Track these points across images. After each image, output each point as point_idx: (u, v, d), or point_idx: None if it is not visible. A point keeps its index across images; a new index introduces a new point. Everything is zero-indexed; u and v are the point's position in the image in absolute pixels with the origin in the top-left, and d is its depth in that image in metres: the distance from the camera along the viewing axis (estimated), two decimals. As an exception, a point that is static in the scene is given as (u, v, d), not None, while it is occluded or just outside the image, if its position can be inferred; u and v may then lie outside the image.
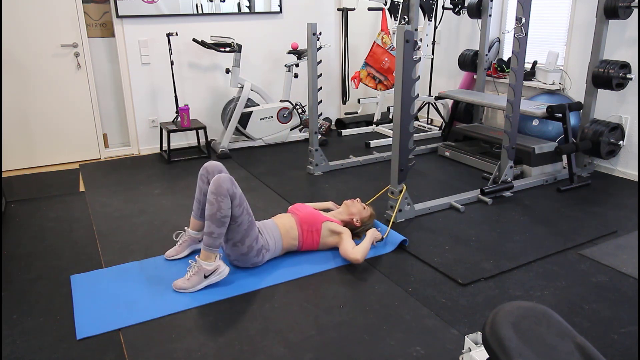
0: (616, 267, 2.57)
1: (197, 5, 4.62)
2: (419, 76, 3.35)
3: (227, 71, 4.72)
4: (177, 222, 3.19)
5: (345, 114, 5.76)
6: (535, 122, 4.28)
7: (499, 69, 4.75)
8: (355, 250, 2.56)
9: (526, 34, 3.22)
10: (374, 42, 4.70)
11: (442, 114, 5.31)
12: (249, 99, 4.80)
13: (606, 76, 3.55)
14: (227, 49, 4.55)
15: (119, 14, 4.34)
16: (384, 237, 2.83)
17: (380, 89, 4.82)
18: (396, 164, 3.01)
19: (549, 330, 1.22)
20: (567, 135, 3.70)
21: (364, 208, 2.88)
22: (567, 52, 4.19)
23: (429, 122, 5.75)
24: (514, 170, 3.81)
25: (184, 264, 2.65)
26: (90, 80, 4.45)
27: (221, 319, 2.18)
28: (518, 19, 3.19)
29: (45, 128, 4.39)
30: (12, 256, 2.78)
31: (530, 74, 4.42)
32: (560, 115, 3.65)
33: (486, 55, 4.64)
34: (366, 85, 4.85)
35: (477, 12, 4.65)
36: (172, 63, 4.47)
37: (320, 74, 3.95)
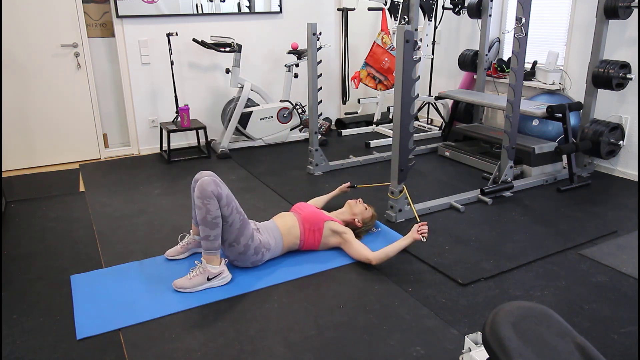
0: (616, 267, 2.57)
1: (197, 5, 4.62)
2: (419, 76, 3.35)
3: (227, 71, 4.72)
4: (177, 222, 3.19)
5: (345, 114, 5.76)
6: (535, 122, 4.28)
7: (499, 69, 4.75)
8: (374, 254, 2.57)
9: (526, 34, 3.22)
10: (374, 42, 4.70)
11: (442, 114, 5.31)
12: (249, 99, 4.80)
13: (606, 76, 3.55)
14: (227, 49, 4.55)
15: (119, 14, 4.34)
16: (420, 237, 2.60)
17: (380, 89, 4.82)
18: (396, 164, 3.01)
19: (549, 330, 1.22)
20: (567, 135, 3.70)
21: (366, 209, 2.89)
22: (567, 52, 4.19)
23: (429, 122, 5.75)
24: (514, 170, 3.81)
25: (184, 264, 2.65)
26: (90, 80, 4.45)
27: (221, 319, 2.18)
28: (518, 19, 3.19)
29: (45, 128, 4.39)
30: (12, 256, 2.78)
31: (530, 74, 4.42)
32: (560, 115, 3.65)
33: (486, 55, 4.64)
34: (366, 85, 4.85)
35: (477, 12, 4.65)
36: (172, 63, 4.47)
37: (320, 74, 3.95)
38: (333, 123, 5.69)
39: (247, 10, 4.88)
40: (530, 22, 3.25)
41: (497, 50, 4.89)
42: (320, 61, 4.01)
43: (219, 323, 2.16)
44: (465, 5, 4.77)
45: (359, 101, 5.53)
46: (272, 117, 4.86)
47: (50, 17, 4.17)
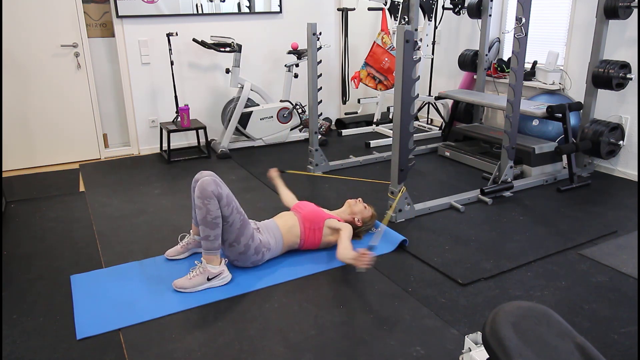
0: (616, 267, 2.57)
1: (197, 5, 4.62)
2: (419, 76, 3.35)
3: (227, 71, 4.72)
4: (177, 222, 3.19)
5: (345, 114, 5.76)
6: (535, 122, 4.28)
7: (499, 69, 4.75)
8: (342, 245, 2.51)
9: (526, 34, 3.22)
10: (374, 42, 4.70)
11: (442, 114, 5.31)
12: (249, 99, 4.80)
13: (606, 76, 3.55)
14: (227, 49, 4.55)
15: (119, 14, 4.34)
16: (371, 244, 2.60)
17: (380, 89, 4.82)
18: (396, 164, 3.01)
19: (549, 330, 1.22)
20: (567, 135, 3.70)
21: (366, 208, 2.89)
22: (567, 52, 4.19)
23: (429, 122, 5.75)
24: (514, 170, 3.81)
25: (184, 265, 2.65)
26: (90, 80, 4.45)
27: (221, 319, 2.18)
28: (518, 19, 3.19)
29: (45, 128, 4.39)
30: (12, 256, 2.78)
31: (530, 74, 4.42)
32: (560, 115, 3.65)
33: (486, 55, 4.64)
34: (366, 85, 4.85)
35: (477, 12, 4.65)
36: (172, 63, 4.47)
37: (320, 74, 3.95)
38: (333, 123, 5.69)
39: (247, 10, 4.88)
40: (530, 22, 3.25)
41: (497, 50, 4.89)
42: (320, 61, 4.01)
43: (219, 323, 2.16)
44: (465, 5, 4.77)
45: (359, 101, 5.53)
46: (272, 117, 4.86)
47: (50, 17, 4.17)
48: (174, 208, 3.41)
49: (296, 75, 4.94)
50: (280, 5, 5.03)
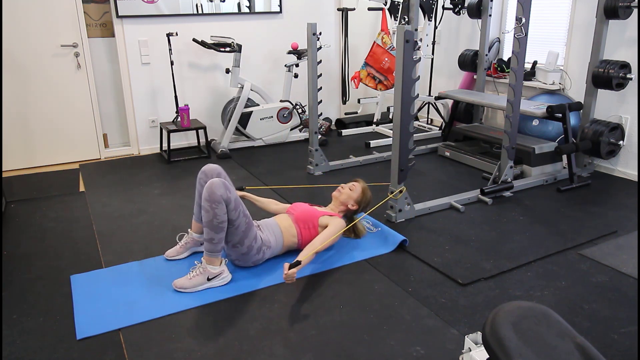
0: (616, 267, 2.57)
1: (197, 5, 4.62)
2: (419, 76, 3.35)
3: (227, 71, 4.72)
4: (177, 222, 3.19)
5: (345, 114, 5.76)
6: (535, 122, 4.28)
7: (499, 69, 4.75)
8: (311, 248, 2.47)
9: (526, 34, 3.22)
10: (374, 42, 4.70)
11: (442, 114, 5.31)
12: (249, 99, 4.80)
13: (606, 76, 3.55)
14: (227, 49, 4.55)
15: (119, 14, 4.34)
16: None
17: (380, 89, 4.82)
18: (396, 164, 3.01)
19: (549, 330, 1.22)
20: (567, 135, 3.70)
21: (352, 189, 2.82)
22: (567, 52, 4.19)
23: (429, 122, 5.75)
24: (514, 170, 3.81)
25: (184, 265, 2.65)
26: (90, 80, 4.45)
27: (221, 319, 2.18)
28: (518, 19, 3.19)
29: (45, 128, 4.39)
30: (12, 256, 2.78)
31: (530, 74, 4.42)
32: (560, 115, 3.65)
33: (486, 55, 4.64)
34: (366, 85, 4.85)
35: (477, 12, 4.65)
36: (172, 63, 4.47)
37: (320, 74, 3.96)
38: (333, 123, 5.69)
39: (247, 10, 4.88)
40: (530, 22, 3.25)
41: (497, 50, 4.89)
42: (320, 61, 4.01)
43: (219, 323, 2.16)
44: (465, 5, 4.77)
45: (359, 101, 5.53)
46: (272, 117, 4.86)
47: (50, 17, 4.17)
48: (174, 208, 3.41)
49: (296, 75, 4.94)
50: (280, 5, 5.03)
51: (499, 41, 4.88)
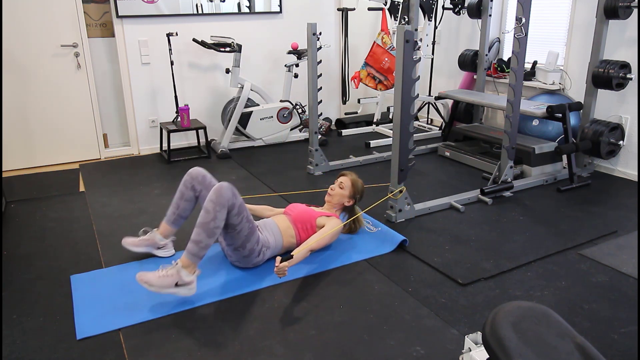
0: (616, 267, 2.57)
1: (197, 5, 4.62)
2: (419, 76, 3.35)
3: (227, 71, 4.72)
4: (177, 222, 3.18)
5: (345, 114, 5.76)
6: (535, 122, 4.28)
7: (499, 69, 4.75)
8: (306, 246, 2.48)
9: (526, 34, 3.22)
10: (374, 42, 4.70)
11: (442, 114, 5.31)
12: (249, 99, 4.80)
13: (606, 76, 3.55)
14: (227, 49, 4.55)
15: (119, 14, 4.34)
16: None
17: (380, 89, 4.82)
18: (396, 164, 3.01)
19: (549, 330, 1.22)
20: (567, 135, 3.70)
21: (341, 188, 2.82)
22: (567, 52, 4.19)
23: (429, 122, 5.75)
24: (514, 170, 3.81)
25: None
26: (90, 80, 4.45)
27: (221, 319, 2.18)
28: (518, 19, 3.19)
29: (45, 128, 4.39)
30: (12, 256, 2.78)
31: (530, 74, 4.42)
32: (560, 115, 3.65)
33: (486, 55, 4.64)
34: (366, 85, 4.85)
35: (477, 12, 4.65)
36: (172, 63, 4.47)
37: (320, 74, 3.95)
38: (333, 123, 5.69)
39: (247, 10, 4.88)
40: (530, 22, 3.25)
41: (497, 50, 4.89)
42: (320, 61, 4.01)
43: (219, 323, 2.16)
44: (465, 5, 4.77)
45: (359, 101, 5.53)
46: (272, 117, 4.86)
47: (50, 17, 4.17)
48: (174, 208, 3.41)
49: (296, 75, 4.94)
50: (280, 5, 5.03)
51: (499, 41, 4.88)
